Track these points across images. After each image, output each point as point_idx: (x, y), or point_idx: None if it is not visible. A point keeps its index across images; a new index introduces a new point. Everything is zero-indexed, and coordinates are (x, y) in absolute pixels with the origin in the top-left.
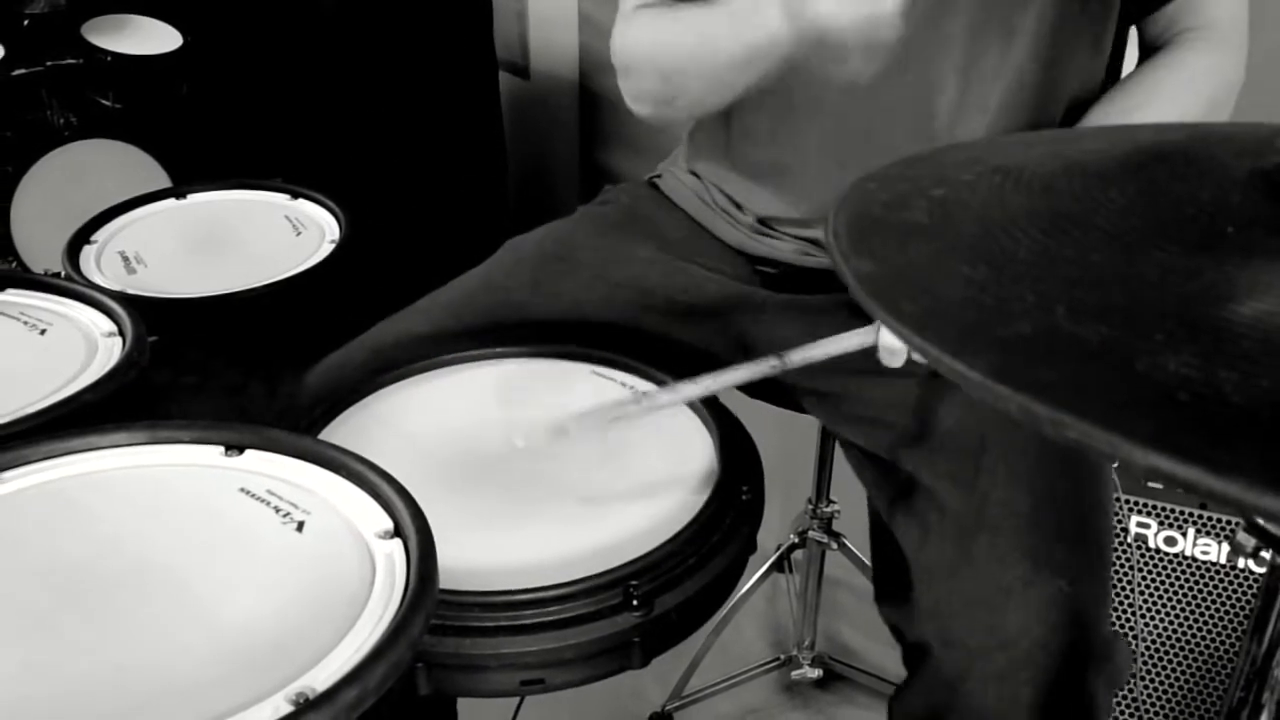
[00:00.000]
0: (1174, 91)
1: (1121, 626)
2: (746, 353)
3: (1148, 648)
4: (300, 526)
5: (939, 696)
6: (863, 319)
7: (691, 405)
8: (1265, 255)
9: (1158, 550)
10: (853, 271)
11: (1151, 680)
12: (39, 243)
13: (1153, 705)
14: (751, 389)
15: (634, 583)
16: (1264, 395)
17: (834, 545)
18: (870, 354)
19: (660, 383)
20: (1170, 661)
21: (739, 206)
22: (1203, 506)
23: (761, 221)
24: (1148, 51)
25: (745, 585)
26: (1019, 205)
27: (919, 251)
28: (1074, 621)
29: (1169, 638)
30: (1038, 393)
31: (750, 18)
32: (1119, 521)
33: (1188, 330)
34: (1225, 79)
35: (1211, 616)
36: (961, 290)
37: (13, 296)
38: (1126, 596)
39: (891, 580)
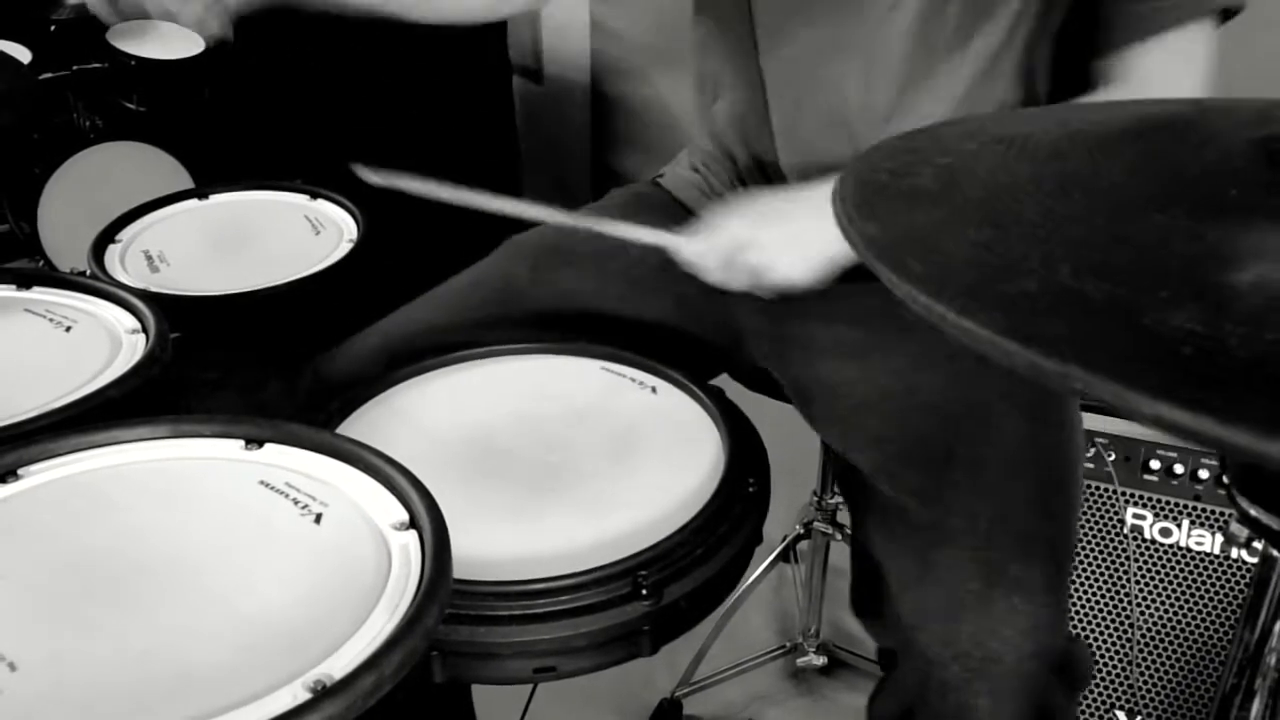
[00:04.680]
0: None
1: (1118, 615)
2: (737, 343)
3: (1144, 636)
4: (318, 518)
5: (905, 701)
6: (859, 315)
7: (699, 401)
8: (1268, 216)
9: (1153, 541)
10: (859, 233)
11: (1147, 668)
12: (65, 242)
13: (1149, 692)
14: (757, 385)
15: (643, 573)
16: (1269, 348)
17: (838, 536)
18: (847, 333)
19: (667, 379)
20: (1165, 650)
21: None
22: (1197, 499)
23: None
24: None
25: (752, 575)
26: (1024, 171)
27: (925, 215)
28: (1028, 635)
29: (1164, 626)
30: (1044, 347)
31: None
32: (1116, 513)
33: (1192, 288)
34: None
35: (1205, 606)
36: (967, 251)
37: (40, 294)
38: (1123, 586)
39: (864, 590)
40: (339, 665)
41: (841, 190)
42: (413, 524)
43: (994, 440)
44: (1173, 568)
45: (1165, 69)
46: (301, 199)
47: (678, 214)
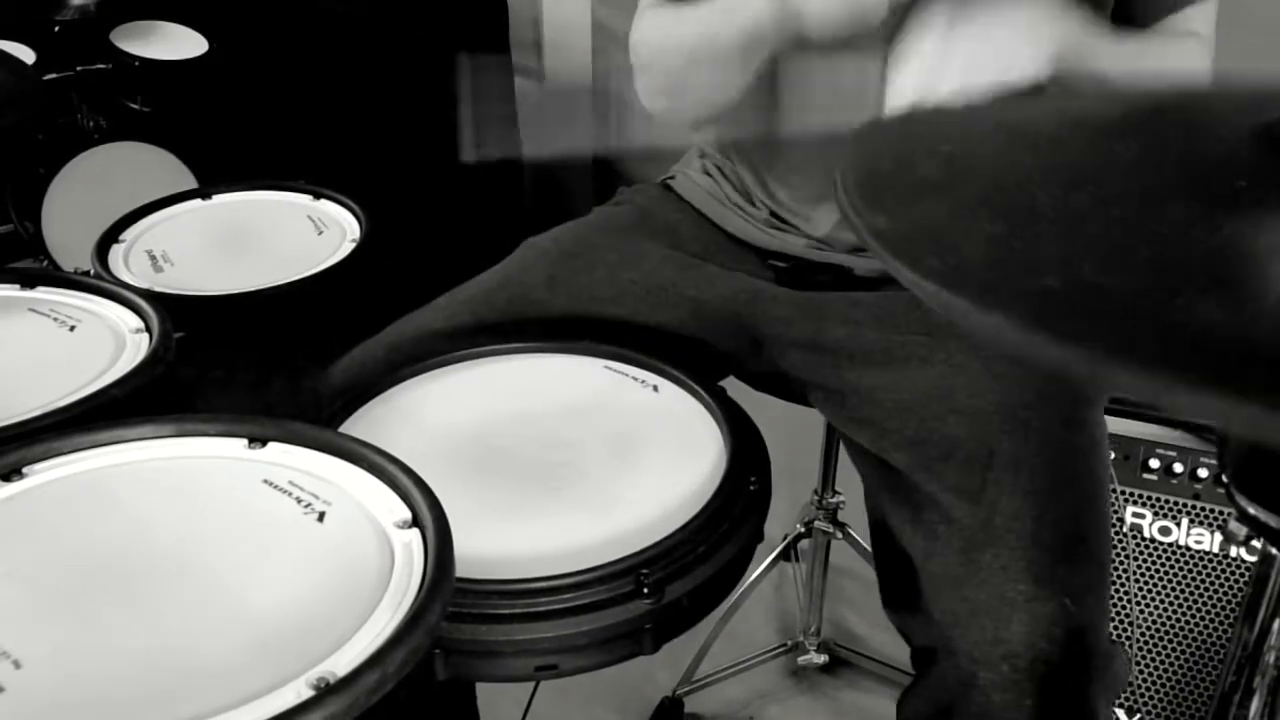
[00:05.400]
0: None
1: (1118, 614)
2: (757, 347)
3: (1143, 634)
4: (321, 517)
5: (944, 701)
6: (886, 322)
7: (701, 399)
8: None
9: (1152, 540)
10: (869, 228)
11: (1147, 666)
12: (69, 242)
13: (1148, 690)
14: (759, 383)
15: (645, 571)
16: None
17: (839, 535)
18: (878, 346)
19: (669, 378)
20: (1165, 648)
21: (752, 202)
22: (1196, 497)
23: (774, 214)
24: None
25: (753, 574)
26: (1030, 161)
27: (934, 208)
28: (1076, 637)
29: (1164, 625)
30: (1075, 342)
31: (740, 6)
32: (1115, 512)
33: (1218, 279)
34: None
35: (1204, 604)
36: (983, 245)
37: (44, 294)
38: (1122, 585)
39: (897, 585)
40: (342, 663)
41: (844, 180)
42: (415, 522)
43: (1033, 442)
44: (1172, 566)
45: (1207, 33)
46: (304, 199)
47: (690, 218)
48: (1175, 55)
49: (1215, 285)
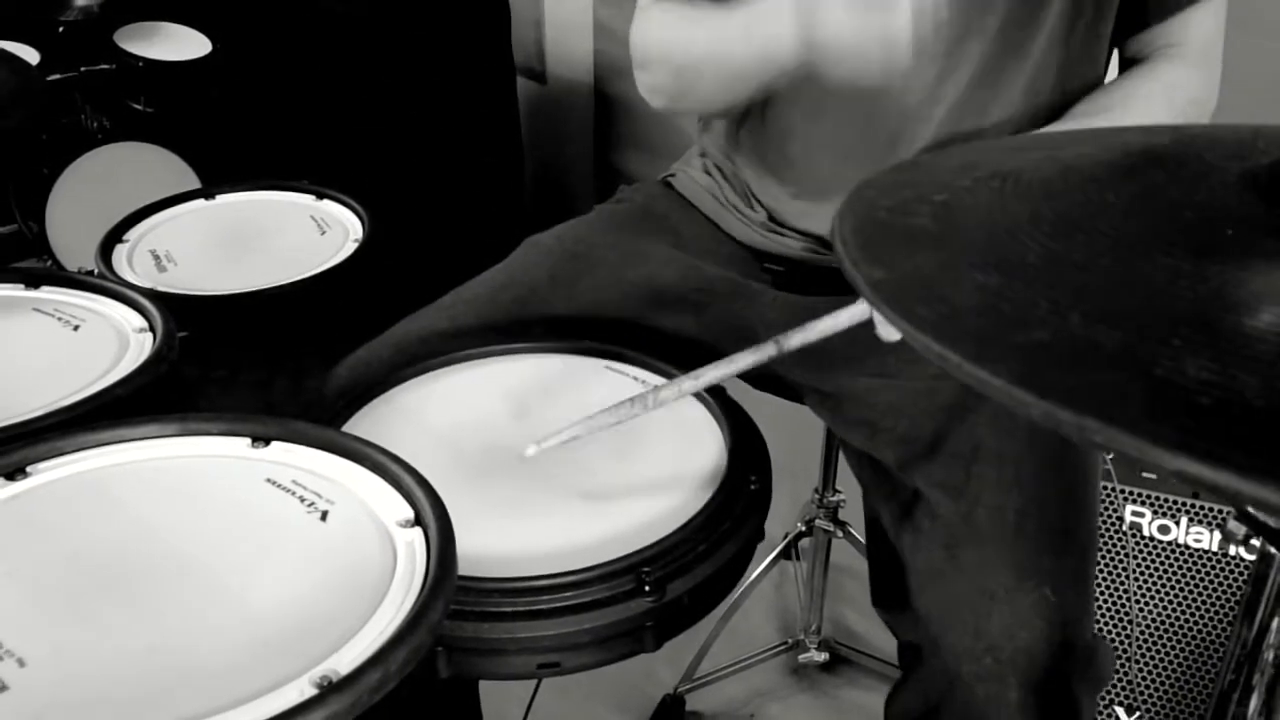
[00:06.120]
0: (1146, 98)
1: (1117, 612)
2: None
3: (1142, 632)
4: (324, 516)
5: (930, 696)
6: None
7: (701, 399)
8: (1266, 258)
9: (1152, 538)
10: (865, 278)
11: (1146, 664)
12: (73, 242)
13: (1147, 688)
14: (759, 383)
15: (647, 569)
16: None
17: (839, 533)
18: (872, 351)
19: (671, 378)
20: (1164, 646)
21: (750, 204)
22: (1195, 496)
23: (771, 218)
24: (1126, 67)
25: (754, 572)
26: (1021, 210)
27: (928, 258)
28: (1058, 628)
29: (1163, 623)
30: (1063, 399)
31: (763, 27)
32: (1115, 511)
33: (1203, 334)
34: (1196, 93)
35: (1204, 602)
36: (975, 297)
37: (48, 294)
38: (1122, 583)
39: (886, 583)
40: (345, 661)
41: (842, 230)
42: (418, 521)
43: (1020, 435)
44: (1171, 565)
45: (1217, 30)
46: (307, 199)
47: (690, 217)
48: (1163, 89)
49: (1203, 341)
